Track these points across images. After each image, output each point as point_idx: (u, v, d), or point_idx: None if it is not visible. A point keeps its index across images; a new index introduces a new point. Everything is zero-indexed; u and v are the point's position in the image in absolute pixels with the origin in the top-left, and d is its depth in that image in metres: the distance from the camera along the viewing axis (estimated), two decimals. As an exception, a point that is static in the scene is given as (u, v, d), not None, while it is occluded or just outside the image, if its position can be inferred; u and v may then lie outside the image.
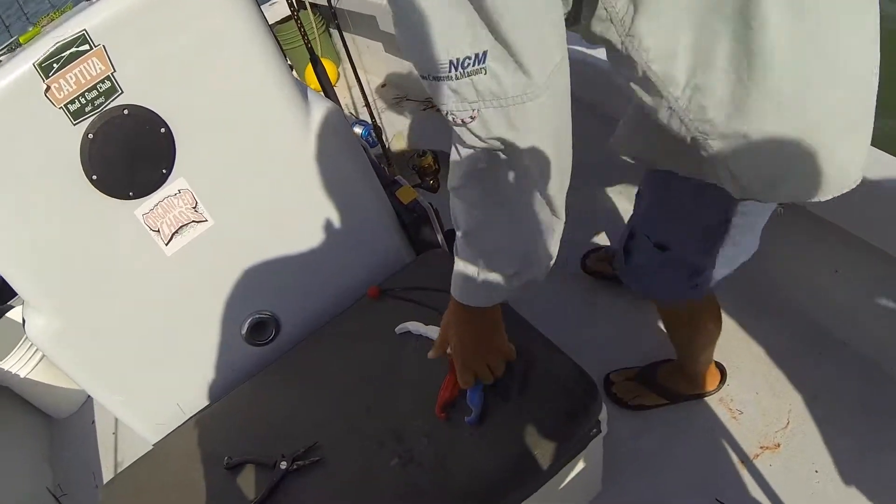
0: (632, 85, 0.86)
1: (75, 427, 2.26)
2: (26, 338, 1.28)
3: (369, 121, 2.53)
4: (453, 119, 0.75)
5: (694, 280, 1.20)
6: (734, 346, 1.76)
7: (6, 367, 2.10)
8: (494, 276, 0.95)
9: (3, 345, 2.13)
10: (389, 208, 1.43)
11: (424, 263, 1.40)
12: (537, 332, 1.18)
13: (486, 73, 0.68)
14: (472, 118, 0.73)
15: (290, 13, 3.63)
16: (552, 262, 0.96)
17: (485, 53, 0.67)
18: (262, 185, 1.25)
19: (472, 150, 0.81)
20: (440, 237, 1.51)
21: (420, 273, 1.38)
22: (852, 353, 1.63)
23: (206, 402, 1.38)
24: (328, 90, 2.14)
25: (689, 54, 0.79)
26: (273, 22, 3.58)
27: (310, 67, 3.47)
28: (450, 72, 0.69)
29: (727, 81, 0.79)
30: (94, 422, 2.23)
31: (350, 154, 1.32)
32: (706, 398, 1.65)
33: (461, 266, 0.97)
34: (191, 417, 1.35)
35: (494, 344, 1.10)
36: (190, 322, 1.31)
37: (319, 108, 1.26)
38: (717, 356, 1.63)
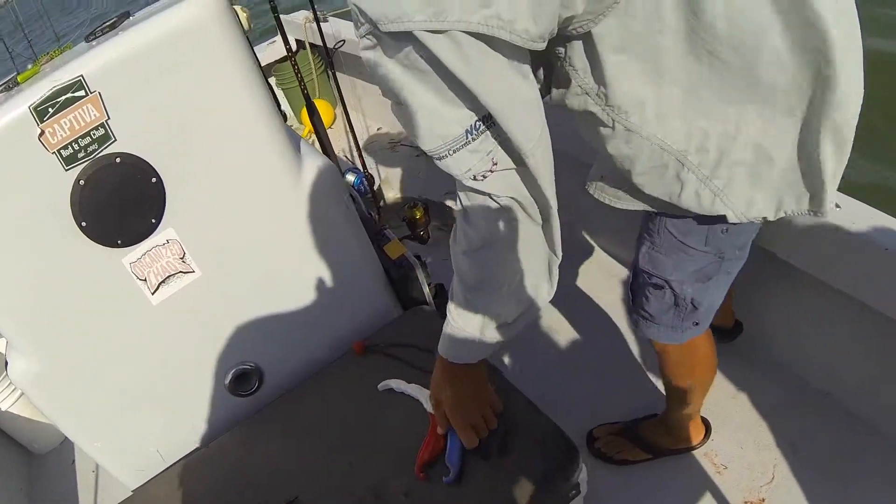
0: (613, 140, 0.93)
1: (55, 463, 2.22)
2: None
3: (361, 168, 2.55)
4: (474, 177, 0.81)
5: (694, 317, 1.24)
6: (719, 399, 1.75)
7: (-16, 402, 2.07)
8: (493, 328, 1.00)
9: (-18, 378, 2.11)
10: (377, 263, 1.43)
11: (410, 320, 1.40)
12: (518, 392, 1.18)
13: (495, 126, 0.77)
14: (492, 170, 0.81)
15: (296, 48, 3.72)
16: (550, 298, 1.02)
17: (489, 115, 0.75)
18: (250, 237, 1.25)
19: (486, 209, 0.88)
20: (427, 293, 1.51)
21: (405, 330, 1.38)
22: (835, 405, 1.63)
23: (187, 450, 1.36)
24: (322, 135, 2.16)
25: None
26: (273, 60, 3.63)
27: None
28: (467, 138, 0.77)
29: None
30: (73, 461, 2.20)
31: (340, 210, 1.32)
32: (691, 452, 1.64)
33: (458, 324, 1.01)
34: (171, 465, 1.33)
35: (486, 395, 1.14)
36: (173, 370, 1.30)
37: (311, 162, 1.27)
38: (702, 410, 1.63)
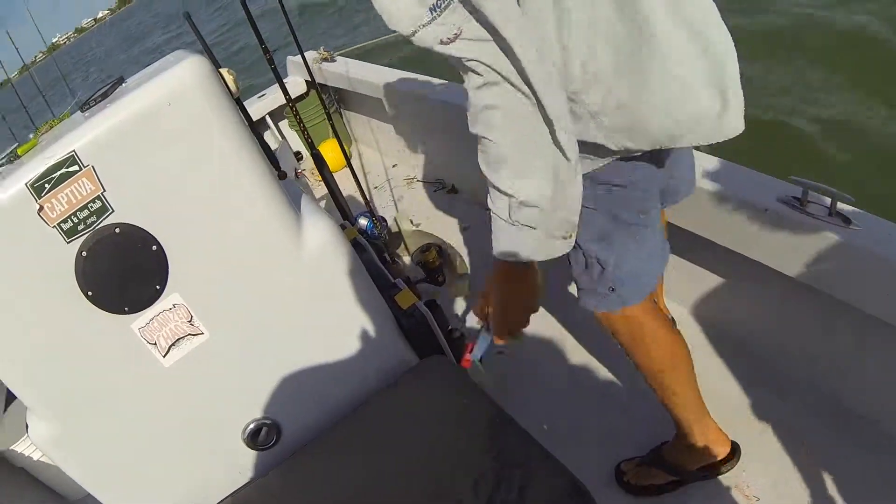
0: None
1: None
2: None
3: (376, 210, 2.53)
4: (441, 41, 0.90)
5: (608, 281, 1.29)
6: (750, 427, 1.71)
7: (20, 450, 2.09)
8: (529, 214, 1.03)
9: (18, 426, 2.14)
10: (388, 314, 1.40)
11: (422, 372, 1.37)
12: (535, 441, 1.15)
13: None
14: (457, 35, 0.89)
15: (307, 89, 3.76)
16: (577, 203, 1.05)
17: None
18: (255, 298, 1.24)
19: (478, 86, 0.95)
20: (442, 341, 1.48)
21: (415, 383, 1.35)
22: (876, 430, 1.58)
23: (209, 503, 1.36)
24: (329, 180, 2.14)
25: None
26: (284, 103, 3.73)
27: (325, 144, 3.53)
28: (433, 14, 0.87)
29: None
30: None
31: (343, 264, 1.30)
32: (721, 481, 1.59)
33: (494, 213, 1.07)
34: None
35: (527, 302, 1.20)
36: (190, 428, 1.30)
37: (311, 220, 1.26)
38: (732, 436, 1.58)
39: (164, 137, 1.09)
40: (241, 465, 1.36)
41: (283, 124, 4.07)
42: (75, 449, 1.24)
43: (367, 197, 3.46)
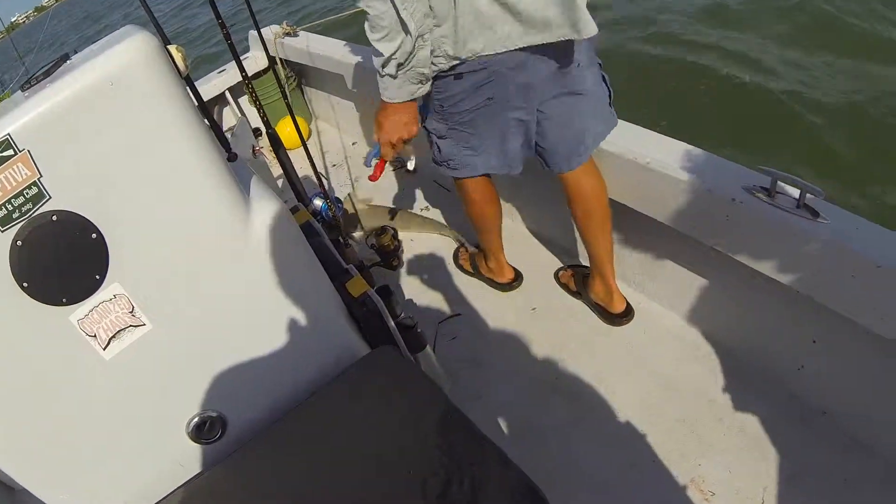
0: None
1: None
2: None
3: (333, 190, 2.50)
4: None
5: (443, 160, 1.95)
6: (705, 420, 1.73)
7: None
8: (392, 67, 1.54)
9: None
10: (339, 303, 1.38)
11: (370, 364, 1.35)
12: (490, 442, 1.14)
13: None
14: None
15: (267, 65, 3.68)
16: (425, 62, 1.56)
17: None
18: (201, 287, 1.20)
19: None
20: (393, 330, 1.46)
21: (363, 374, 1.33)
22: (832, 425, 1.61)
23: (155, 498, 1.32)
24: (284, 160, 2.09)
25: None
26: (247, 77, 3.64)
27: (281, 123, 3.46)
28: None
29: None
30: None
31: (293, 251, 1.27)
32: (676, 477, 1.62)
33: (378, 72, 1.57)
34: None
35: (410, 128, 1.74)
36: (133, 422, 1.26)
37: (261, 204, 1.22)
38: (685, 429, 1.61)
39: (105, 119, 1.04)
40: (186, 459, 1.32)
41: (244, 100, 3.98)
42: (9, 443, 1.19)
43: (325, 176, 3.42)
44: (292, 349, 1.32)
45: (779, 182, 1.50)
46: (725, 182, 1.60)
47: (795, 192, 1.49)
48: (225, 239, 1.18)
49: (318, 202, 2.27)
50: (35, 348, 1.13)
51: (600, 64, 1.78)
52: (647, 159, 1.76)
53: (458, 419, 1.16)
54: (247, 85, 2.07)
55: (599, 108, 1.81)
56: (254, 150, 2.62)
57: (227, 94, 3.87)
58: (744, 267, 1.61)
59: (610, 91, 1.83)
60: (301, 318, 1.30)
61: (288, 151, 2.20)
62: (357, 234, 2.86)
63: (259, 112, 2.04)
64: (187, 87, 1.16)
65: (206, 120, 1.29)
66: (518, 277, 2.40)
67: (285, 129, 3.25)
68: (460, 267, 2.57)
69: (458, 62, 1.58)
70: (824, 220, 1.43)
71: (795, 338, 1.68)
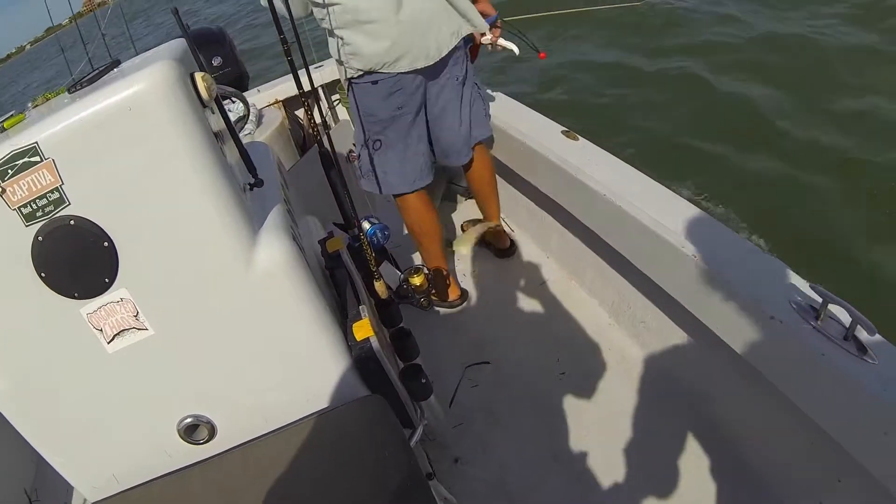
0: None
1: None
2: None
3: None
4: None
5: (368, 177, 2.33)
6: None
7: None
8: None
9: None
10: (340, 343, 1.38)
11: (357, 410, 1.36)
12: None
13: None
14: None
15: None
16: None
17: None
18: (201, 306, 1.24)
19: None
20: (394, 380, 1.44)
21: (344, 420, 1.34)
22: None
23: (142, 480, 1.41)
24: (333, 178, 2.05)
25: None
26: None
27: None
28: None
29: None
30: None
31: (296, 290, 1.28)
32: None
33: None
34: (126, 490, 1.40)
35: None
36: (128, 412, 1.34)
37: (269, 240, 1.25)
38: None
39: (122, 140, 1.09)
40: (174, 452, 1.39)
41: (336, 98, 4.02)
42: (19, 405, 1.30)
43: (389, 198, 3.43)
44: (284, 378, 1.35)
45: (829, 305, 1.35)
46: (772, 291, 1.48)
47: (845, 320, 1.35)
48: (227, 266, 1.21)
49: (366, 225, 2.24)
50: (47, 330, 1.22)
51: None
52: (693, 253, 1.66)
53: (417, 488, 1.16)
54: (306, 105, 2.04)
55: None
56: (349, 156, 2.75)
57: (321, 92, 3.90)
58: (775, 389, 1.49)
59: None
60: (296, 351, 1.32)
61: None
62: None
63: (313, 130, 2.01)
64: (209, 116, 1.20)
65: (235, 145, 1.32)
66: (464, 293, 2.66)
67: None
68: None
69: None
70: (872, 360, 1.28)
71: (817, 473, 1.56)
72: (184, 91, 1.11)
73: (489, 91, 2.80)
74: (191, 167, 1.13)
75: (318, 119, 1.83)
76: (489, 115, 2.48)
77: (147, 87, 1.07)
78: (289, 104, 3.80)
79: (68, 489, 2.12)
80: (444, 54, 2.09)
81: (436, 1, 2.01)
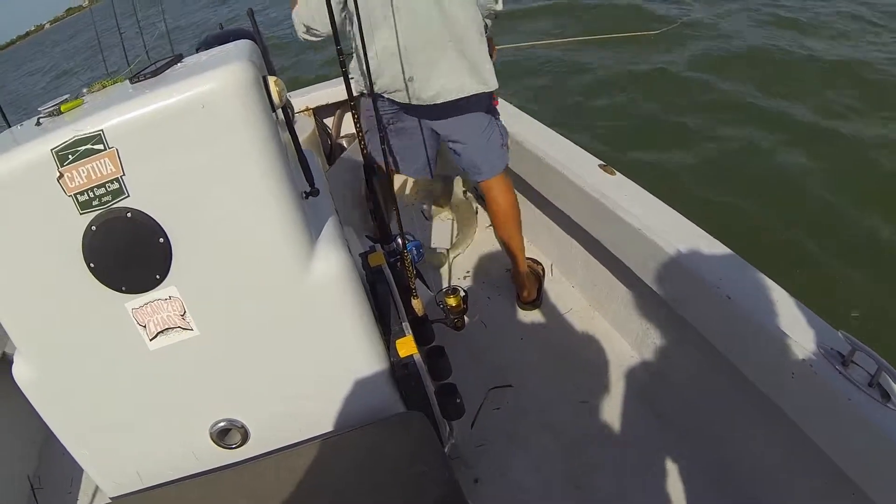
0: None
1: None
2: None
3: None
4: None
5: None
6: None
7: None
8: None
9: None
10: (382, 357, 1.34)
11: (394, 426, 1.33)
12: None
13: None
14: None
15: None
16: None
17: None
18: (251, 312, 1.21)
19: None
20: (432, 399, 1.42)
21: (382, 436, 1.31)
22: None
23: (165, 479, 1.38)
24: (377, 193, 2.01)
25: None
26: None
27: None
28: None
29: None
30: None
31: (349, 304, 1.25)
32: None
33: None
34: (148, 488, 1.36)
35: None
36: (161, 410, 1.30)
37: (327, 252, 1.21)
38: None
39: (190, 137, 1.06)
40: (202, 455, 1.36)
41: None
42: (49, 395, 1.26)
43: (428, 216, 3.39)
44: (325, 390, 1.32)
45: (856, 353, 1.37)
46: (799, 335, 1.49)
47: (871, 368, 1.36)
48: (283, 274, 1.18)
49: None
50: (88, 323, 1.19)
51: None
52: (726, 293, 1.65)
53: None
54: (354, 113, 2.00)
55: None
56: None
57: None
58: (798, 430, 1.48)
59: None
60: (341, 364, 1.29)
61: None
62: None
63: (358, 136, 1.98)
64: (279, 120, 1.17)
65: (295, 152, 1.29)
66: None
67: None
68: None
69: None
70: (894, 407, 1.28)
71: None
72: (258, 93, 1.07)
73: (518, 110, 2.79)
74: (258, 171, 1.09)
75: (364, 127, 1.80)
76: (506, 146, 2.41)
77: (222, 86, 1.04)
78: (318, 112, 3.74)
79: (73, 477, 2.09)
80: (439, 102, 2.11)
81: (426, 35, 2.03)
